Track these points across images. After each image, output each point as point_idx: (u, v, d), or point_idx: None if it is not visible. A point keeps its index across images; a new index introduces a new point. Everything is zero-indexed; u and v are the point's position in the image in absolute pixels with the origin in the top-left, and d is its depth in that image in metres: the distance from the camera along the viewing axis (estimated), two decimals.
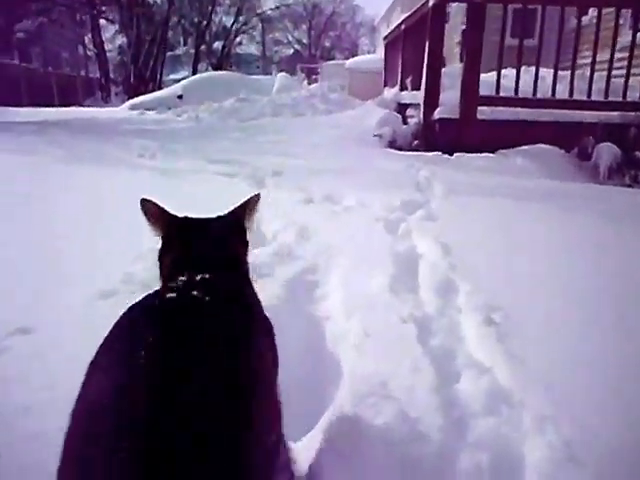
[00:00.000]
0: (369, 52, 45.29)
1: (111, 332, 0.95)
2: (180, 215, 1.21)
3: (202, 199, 2.35)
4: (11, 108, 14.00)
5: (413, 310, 1.76)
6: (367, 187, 3.45)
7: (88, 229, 2.48)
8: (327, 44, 46.84)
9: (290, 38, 45.84)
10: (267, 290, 1.80)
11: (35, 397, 1.32)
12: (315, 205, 2.84)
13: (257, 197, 1.29)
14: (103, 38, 30.71)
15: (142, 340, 0.87)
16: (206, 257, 1.13)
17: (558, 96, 5.76)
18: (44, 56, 29.69)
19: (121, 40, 33.46)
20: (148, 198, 1.19)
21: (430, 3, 5.92)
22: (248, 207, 1.27)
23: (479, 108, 5.75)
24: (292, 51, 46.26)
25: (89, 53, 36.27)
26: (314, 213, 2.69)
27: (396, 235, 2.45)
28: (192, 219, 1.22)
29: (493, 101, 5.83)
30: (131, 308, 1.00)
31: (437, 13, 5.92)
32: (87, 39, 32.71)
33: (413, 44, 7.25)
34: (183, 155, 4.99)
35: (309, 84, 26.11)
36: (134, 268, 1.94)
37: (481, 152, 5.40)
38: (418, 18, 6.79)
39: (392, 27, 9.32)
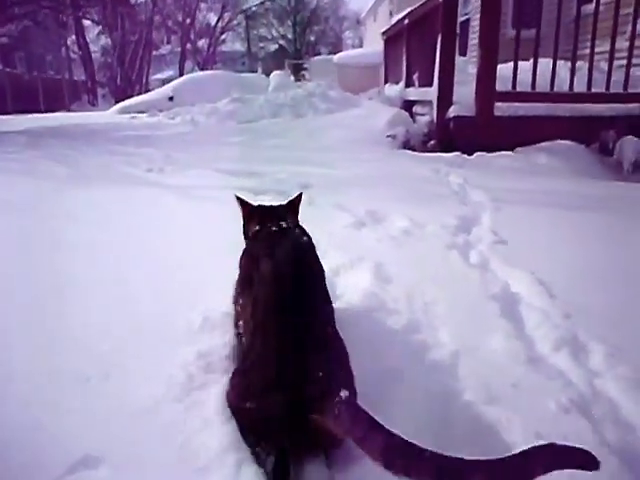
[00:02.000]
0: (353, 46, 45.24)
1: (257, 241, 1.64)
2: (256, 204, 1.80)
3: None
4: None
5: (566, 391, 1.43)
6: (406, 200, 3.21)
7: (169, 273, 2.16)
8: (312, 38, 46.47)
9: (275, 34, 45.45)
10: (385, 360, 1.55)
11: None
12: (368, 229, 2.58)
13: (300, 195, 1.84)
14: (87, 39, 30.35)
15: (277, 245, 1.55)
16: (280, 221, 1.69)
17: (574, 89, 5.56)
18: (28, 60, 29.26)
19: (104, 41, 33.13)
20: (238, 195, 1.78)
21: None
22: (297, 201, 1.82)
23: (495, 104, 5.54)
24: (276, 47, 45.90)
25: (72, 55, 35.86)
26: (374, 241, 2.40)
27: (476, 267, 2.18)
28: (267, 205, 1.82)
29: (511, 97, 5.61)
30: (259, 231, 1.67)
31: (449, 6, 5.68)
32: (70, 41, 32.30)
33: (419, 39, 7.01)
34: (191, 166, 4.73)
35: (297, 80, 25.96)
36: None
37: (499, 150, 5.20)
38: (425, 12, 6.55)
39: (393, 22, 9.06)
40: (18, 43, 17.50)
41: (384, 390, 1.41)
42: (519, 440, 1.25)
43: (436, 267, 2.13)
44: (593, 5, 5.45)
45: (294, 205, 1.79)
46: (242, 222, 1.76)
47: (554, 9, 5.54)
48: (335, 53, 29.99)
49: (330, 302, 1.54)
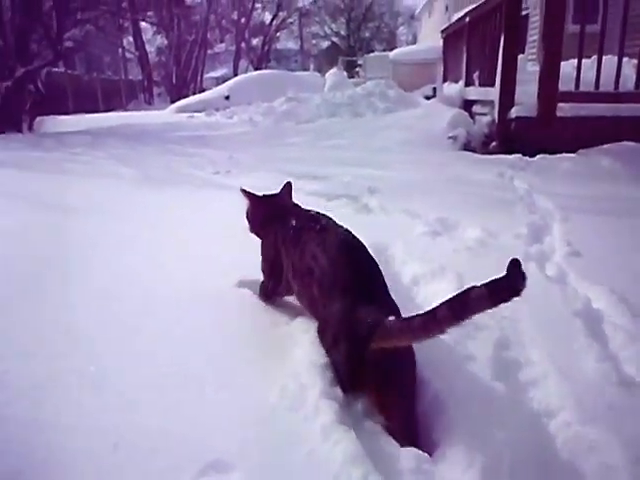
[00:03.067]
0: (407, 42, 44.91)
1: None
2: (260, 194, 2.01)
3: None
4: (59, 116, 14.07)
5: None
6: (475, 206, 3.17)
7: None
8: (366, 35, 46.27)
9: (328, 31, 45.49)
10: (478, 377, 1.54)
11: None
12: (443, 238, 2.55)
13: (290, 184, 2.03)
14: (144, 40, 31.02)
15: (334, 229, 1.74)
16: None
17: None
18: (87, 61, 30.15)
19: (160, 41, 33.80)
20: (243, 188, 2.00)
21: None
22: (288, 189, 2.01)
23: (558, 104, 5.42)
24: (329, 44, 45.92)
25: (128, 55, 36.74)
26: (451, 251, 2.36)
27: (554, 281, 2.13)
28: (269, 194, 2.02)
29: (574, 98, 5.47)
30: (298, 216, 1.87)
31: (512, 4, 5.57)
32: (126, 42, 33.09)
33: (480, 37, 6.90)
34: (255, 168, 4.77)
35: (350, 77, 25.94)
36: None
37: (561, 152, 5.07)
38: (487, 10, 6.44)
39: (452, 19, 8.95)
40: (80, 46, 18.00)
41: (479, 408, 1.39)
42: (620, 463, 1.24)
43: None
44: None
45: (287, 191, 2.01)
46: (250, 211, 1.99)
47: (618, 2, 5.38)
48: (390, 50, 29.87)
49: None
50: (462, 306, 1.23)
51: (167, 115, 14.78)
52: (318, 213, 1.87)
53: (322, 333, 1.53)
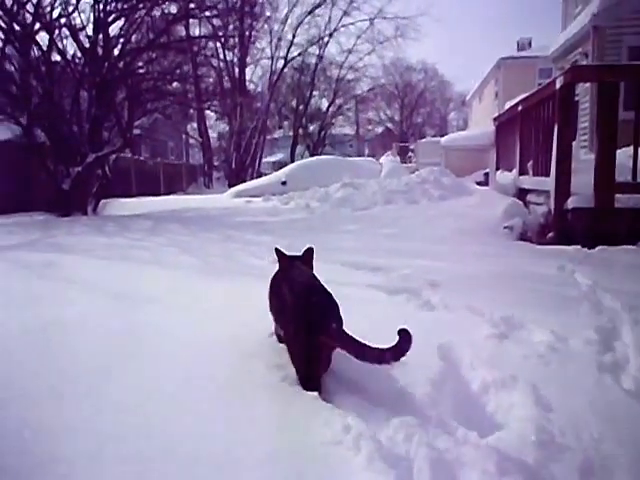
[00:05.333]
0: (458, 127, 45.85)
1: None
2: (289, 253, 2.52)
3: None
4: (122, 199, 14.68)
5: None
6: (539, 304, 3.09)
7: None
8: (418, 120, 47.54)
9: (382, 116, 46.91)
10: None
11: None
12: (510, 342, 2.45)
13: (311, 250, 2.56)
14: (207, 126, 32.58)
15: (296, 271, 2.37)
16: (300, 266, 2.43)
17: None
18: (152, 146, 31.74)
19: (221, 127, 35.42)
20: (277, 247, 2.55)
21: (557, 85, 5.69)
22: (309, 255, 2.55)
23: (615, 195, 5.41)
24: (383, 128, 47.22)
25: (191, 141, 38.52)
26: (520, 357, 2.30)
27: (634, 395, 2.03)
28: (292, 255, 2.51)
29: (632, 189, 5.47)
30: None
31: (566, 94, 5.64)
32: (189, 127, 34.81)
33: (534, 126, 7.01)
34: (316, 257, 4.86)
35: (402, 162, 26.37)
36: None
37: (621, 244, 5.00)
38: (541, 99, 6.56)
39: (506, 108, 9.14)
40: (146, 133, 19.04)
41: None
42: None
43: (593, 394, 2.00)
44: None
45: (310, 255, 2.54)
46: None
47: None
48: (441, 135, 30.49)
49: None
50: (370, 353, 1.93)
51: (225, 200, 15.11)
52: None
53: (286, 336, 2.21)
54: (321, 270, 2.76)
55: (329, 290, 2.16)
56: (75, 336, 2.67)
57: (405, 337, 1.88)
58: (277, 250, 2.51)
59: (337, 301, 2.12)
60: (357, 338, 1.94)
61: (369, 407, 1.88)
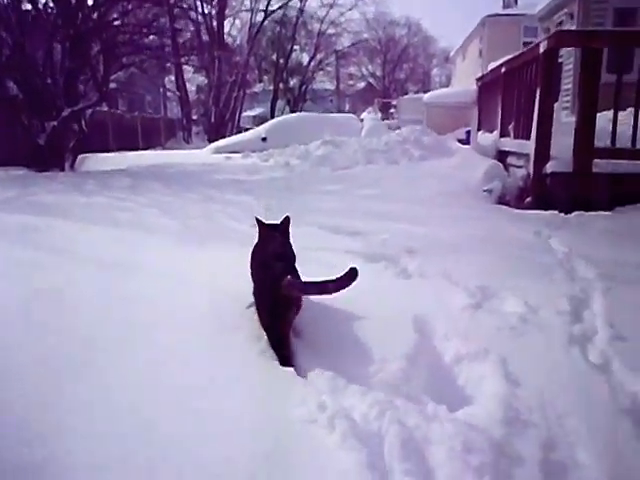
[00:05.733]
0: (441, 84, 45.49)
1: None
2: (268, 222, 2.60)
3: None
4: (100, 154, 14.47)
5: None
6: (514, 272, 3.16)
7: None
8: (401, 76, 47.01)
9: (364, 72, 46.32)
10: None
11: None
12: (484, 312, 2.49)
13: (288, 218, 2.58)
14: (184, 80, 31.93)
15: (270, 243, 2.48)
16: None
17: None
18: (129, 100, 31.10)
19: (199, 79, 34.75)
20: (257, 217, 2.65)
21: (541, 48, 5.64)
22: (286, 224, 2.57)
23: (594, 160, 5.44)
24: (365, 84, 46.65)
25: (169, 94, 37.77)
26: (494, 329, 2.35)
27: (599, 370, 2.10)
28: (271, 224, 2.58)
29: (610, 154, 5.49)
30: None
31: (549, 58, 5.61)
32: (167, 80, 34.09)
33: (516, 89, 6.97)
34: (295, 219, 4.81)
35: (384, 119, 26.18)
36: None
37: (597, 209, 5.06)
38: (524, 62, 6.51)
39: (489, 69, 9.05)
40: (123, 87, 18.61)
41: None
42: None
43: (560, 367, 2.07)
44: None
45: (286, 224, 2.57)
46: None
47: None
48: (424, 91, 30.19)
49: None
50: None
51: (205, 156, 14.99)
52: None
53: (254, 289, 2.44)
54: (299, 235, 2.76)
55: (294, 256, 2.44)
56: (57, 305, 2.58)
57: (351, 274, 2.09)
58: (257, 219, 2.64)
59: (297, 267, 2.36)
60: (305, 280, 2.24)
61: (344, 383, 1.91)
